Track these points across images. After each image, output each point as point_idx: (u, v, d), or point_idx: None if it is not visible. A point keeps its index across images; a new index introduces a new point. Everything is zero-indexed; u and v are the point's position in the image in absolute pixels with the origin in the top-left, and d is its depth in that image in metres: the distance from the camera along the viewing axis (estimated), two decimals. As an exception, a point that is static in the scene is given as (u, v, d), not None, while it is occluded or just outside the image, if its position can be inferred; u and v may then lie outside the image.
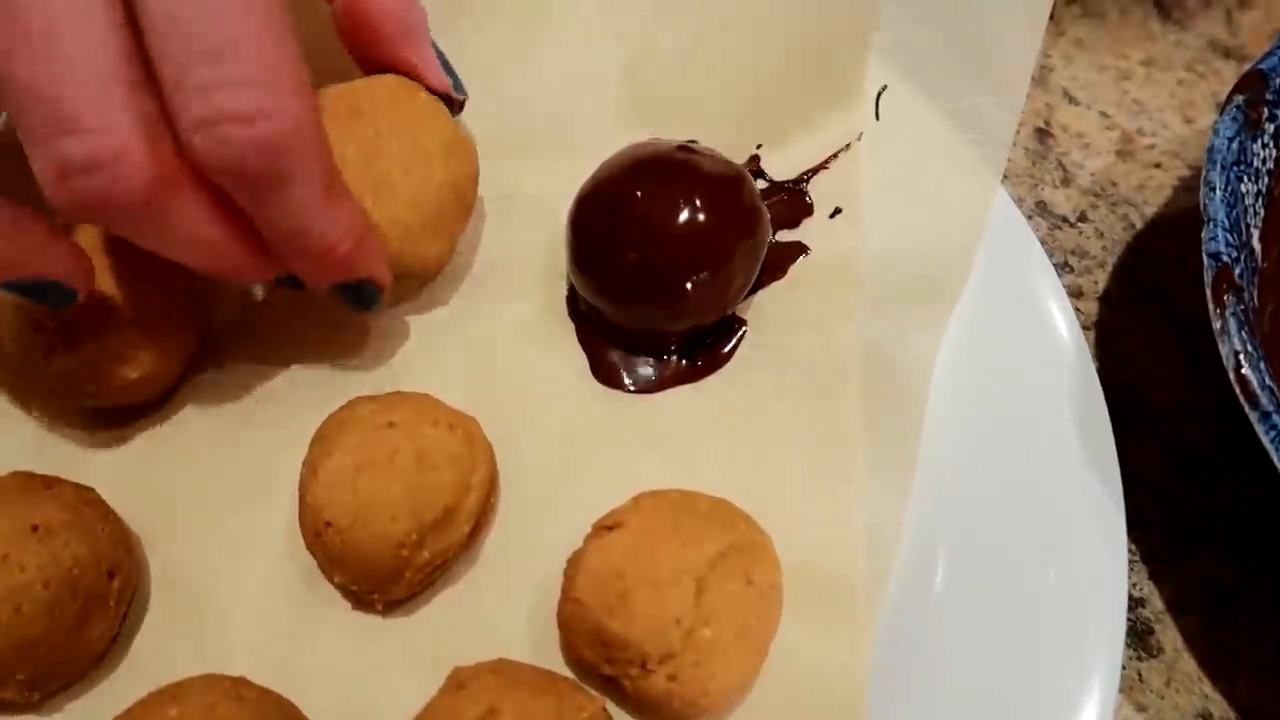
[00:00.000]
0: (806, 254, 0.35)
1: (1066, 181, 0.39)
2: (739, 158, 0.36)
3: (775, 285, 0.35)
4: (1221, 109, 0.30)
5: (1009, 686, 0.28)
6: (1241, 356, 0.26)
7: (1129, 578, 0.31)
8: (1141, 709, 0.30)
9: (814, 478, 0.31)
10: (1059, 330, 0.32)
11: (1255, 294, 0.30)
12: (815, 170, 0.36)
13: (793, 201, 0.36)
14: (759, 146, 0.37)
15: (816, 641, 0.29)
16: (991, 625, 0.29)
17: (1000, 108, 0.36)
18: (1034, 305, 0.33)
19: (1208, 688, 0.31)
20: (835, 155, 0.36)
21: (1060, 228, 0.38)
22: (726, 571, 0.26)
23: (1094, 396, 0.31)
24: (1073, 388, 0.31)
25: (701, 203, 0.31)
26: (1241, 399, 0.26)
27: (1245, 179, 0.30)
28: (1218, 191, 0.28)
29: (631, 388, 0.33)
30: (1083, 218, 0.38)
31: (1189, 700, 0.31)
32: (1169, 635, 0.31)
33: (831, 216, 0.36)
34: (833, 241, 0.35)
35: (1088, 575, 0.29)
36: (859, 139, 0.36)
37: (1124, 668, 0.31)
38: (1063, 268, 0.37)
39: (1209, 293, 0.27)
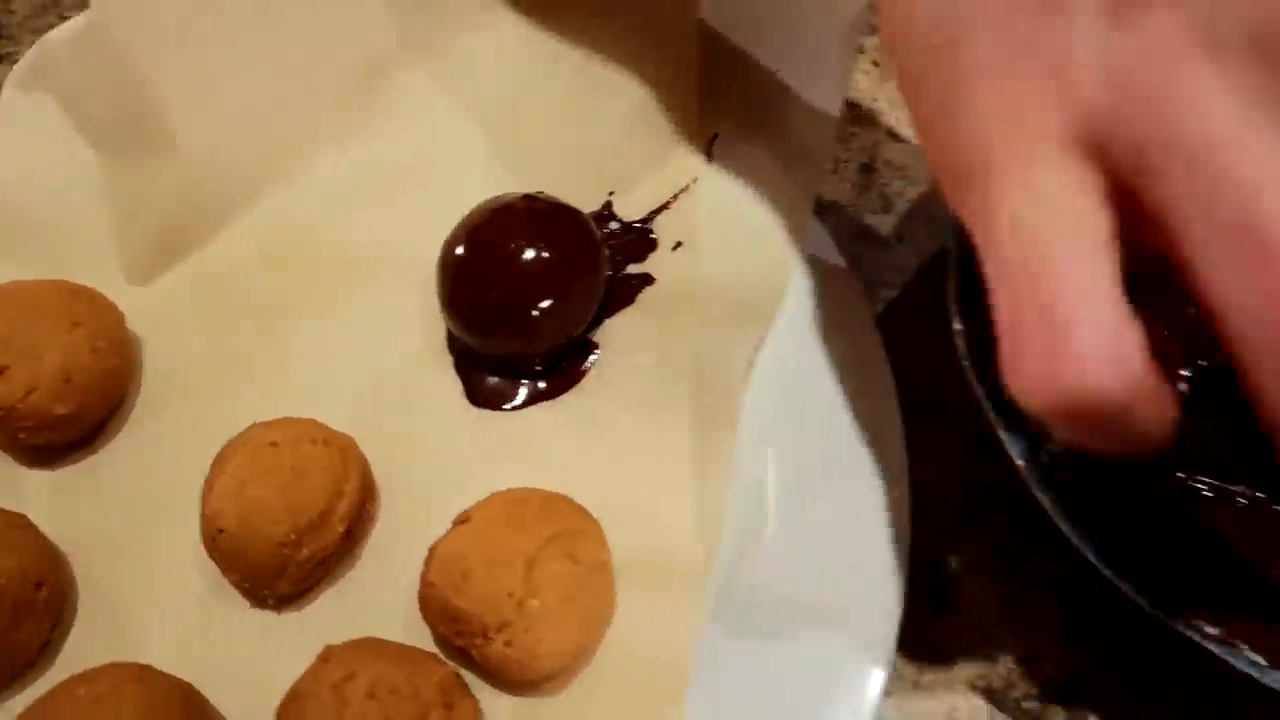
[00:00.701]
0: (652, 284, 0.41)
1: (887, 209, 0.44)
2: (594, 203, 0.42)
3: (625, 311, 0.40)
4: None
5: (815, 640, 0.32)
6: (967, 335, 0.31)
7: (931, 545, 0.36)
8: (938, 657, 0.35)
9: (651, 475, 0.36)
10: (862, 336, 0.37)
11: None
12: (659, 210, 0.42)
13: (640, 238, 0.42)
14: (611, 193, 0.42)
15: (652, 616, 0.34)
16: (797, 582, 0.33)
17: (819, 147, 0.41)
18: (838, 315, 0.38)
19: (996, 637, 0.35)
20: (676, 196, 0.42)
21: (882, 250, 0.43)
22: (554, 552, 0.31)
23: (886, 389, 0.36)
24: (867, 382, 0.36)
25: (544, 244, 0.37)
26: (970, 378, 0.31)
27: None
28: None
29: (501, 407, 0.38)
30: (900, 239, 0.44)
31: (979, 647, 0.35)
32: (964, 594, 0.36)
33: (674, 249, 0.41)
34: (675, 271, 0.41)
35: (874, 538, 0.34)
36: (695, 181, 0.42)
37: (925, 624, 0.36)
38: (880, 283, 0.42)
39: (947, 281, 0.32)
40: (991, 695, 0.34)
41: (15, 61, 0.42)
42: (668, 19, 0.43)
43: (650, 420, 0.37)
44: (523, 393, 0.39)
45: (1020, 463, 0.30)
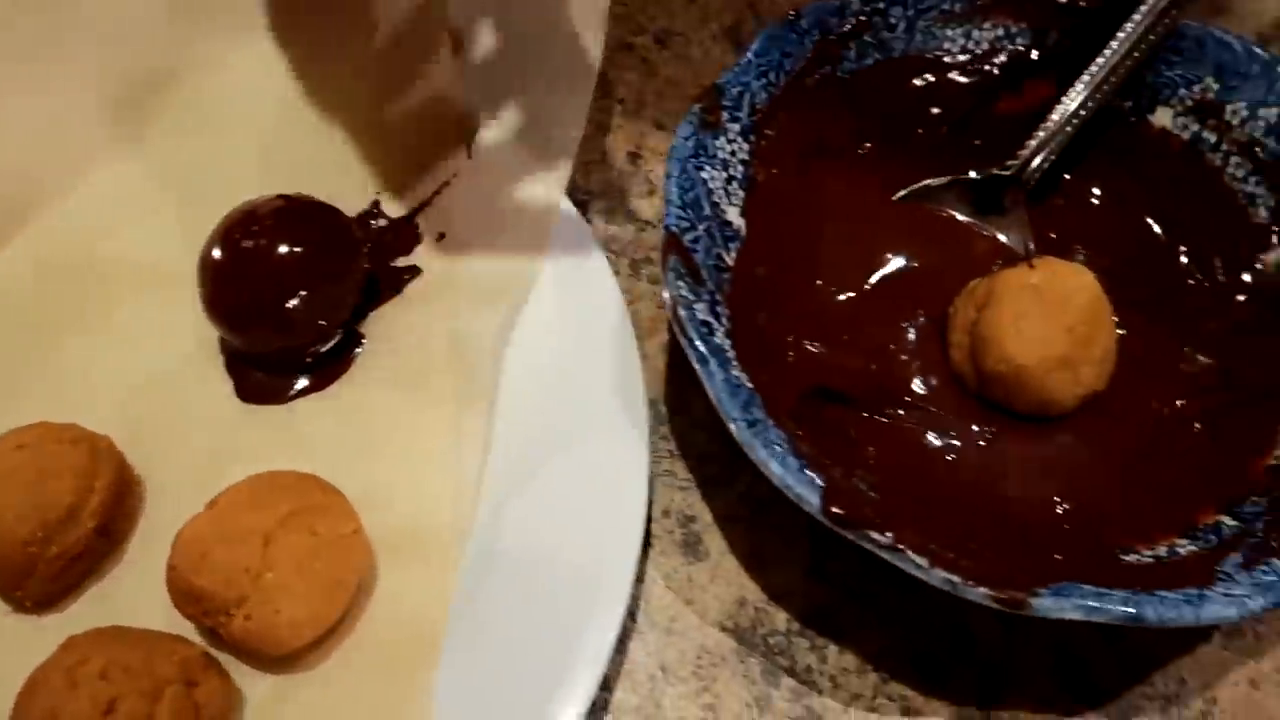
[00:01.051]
0: (418, 274, 0.42)
1: (652, 192, 0.47)
2: (363, 203, 0.44)
3: (393, 302, 0.42)
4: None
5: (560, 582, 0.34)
6: (676, 300, 0.33)
7: (685, 500, 0.38)
8: (690, 602, 0.37)
9: (412, 453, 0.38)
10: (609, 309, 0.40)
11: (734, 259, 0.38)
12: (422, 206, 0.44)
13: (406, 232, 0.43)
14: (378, 192, 0.44)
15: (411, 587, 0.35)
16: (546, 541, 0.35)
17: (568, 138, 0.44)
18: (587, 290, 0.40)
19: (745, 579, 0.38)
20: (437, 191, 0.44)
21: (645, 230, 0.46)
22: (293, 526, 0.33)
23: (631, 358, 0.38)
24: (614, 353, 0.38)
25: (294, 241, 0.38)
26: (678, 333, 0.33)
27: (708, 168, 0.38)
28: (674, 178, 0.36)
29: (271, 402, 0.40)
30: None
31: (729, 590, 0.37)
32: (715, 543, 0.38)
33: (438, 241, 0.43)
34: (438, 261, 0.43)
35: (617, 496, 0.36)
36: (455, 175, 0.44)
37: (675, 572, 0.38)
38: (644, 261, 0.45)
39: (661, 254, 0.35)
40: (739, 633, 0.37)
41: None
42: (426, 29, 0.45)
43: (412, 402, 0.39)
44: (292, 386, 0.40)
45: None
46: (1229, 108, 0.41)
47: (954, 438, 0.36)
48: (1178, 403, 0.36)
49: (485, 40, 0.45)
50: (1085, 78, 0.42)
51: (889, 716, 0.35)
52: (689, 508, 0.39)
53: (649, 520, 0.39)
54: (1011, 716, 0.35)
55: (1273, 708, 0.35)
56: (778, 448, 0.31)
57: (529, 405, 0.38)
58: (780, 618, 0.37)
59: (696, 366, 0.32)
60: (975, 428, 0.36)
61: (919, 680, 0.36)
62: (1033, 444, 0.36)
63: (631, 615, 0.37)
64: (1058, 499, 0.34)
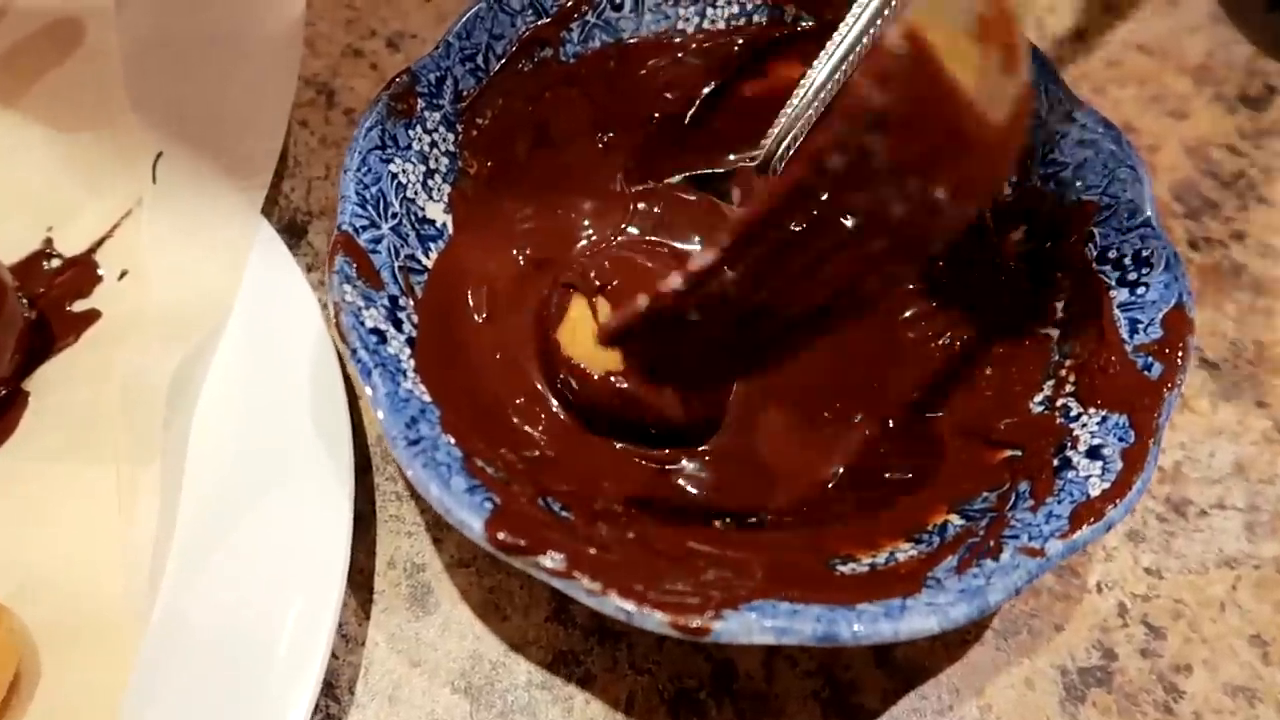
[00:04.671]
0: (97, 319, 0.37)
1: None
2: (33, 241, 0.38)
3: (67, 352, 0.36)
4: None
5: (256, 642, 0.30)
6: (340, 306, 0.29)
7: (414, 547, 0.34)
8: (417, 664, 0.33)
9: (78, 527, 0.33)
10: (312, 343, 0.35)
11: (434, 259, 0.34)
12: (102, 240, 0.38)
13: (83, 272, 0.38)
14: (50, 228, 0.39)
15: (77, 678, 0.30)
16: (233, 605, 0.30)
17: (264, 154, 0.39)
18: (290, 326, 0.35)
19: (480, 630, 0.33)
20: (118, 223, 0.38)
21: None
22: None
23: (336, 396, 0.33)
24: (319, 391, 0.34)
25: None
26: (337, 338, 0.29)
27: (398, 160, 0.33)
28: (351, 172, 0.32)
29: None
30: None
31: (462, 645, 0.33)
32: (447, 592, 0.34)
33: (120, 279, 0.38)
34: (121, 303, 0.37)
35: (312, 552, 0.31)
36: (139, 203, 0.38)
37: (401, 630, 0.33)
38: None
39: (328, 256, 0.30)
40: (473, 693, 0.32)
41: None
42: (91, 50, 0.40)
43: (79, 467, 0.34)
44: (-59, 462, 0.34)
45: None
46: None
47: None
48: (912, 394, 0.34)
49: (165, 52, 0.40)
50: (823, 56, 0.39)
51: (642, 769, 0.31)
52: (418, 555, 0.35)
53: (371, 575, 0.34)
54: (776, 752, 0.32)
55: (1048, 706, 0.33)
56: (444, 467, 0.27)
57: (220, 456, 0.34)
58: (520, 670, 0.33)
59: (359, 379, 0.28)
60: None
61: (675, 723, 0.32)
62: (759, 447, 0.33)
63: (350, 687, 0.32)
64: (774, 509, 0.30)
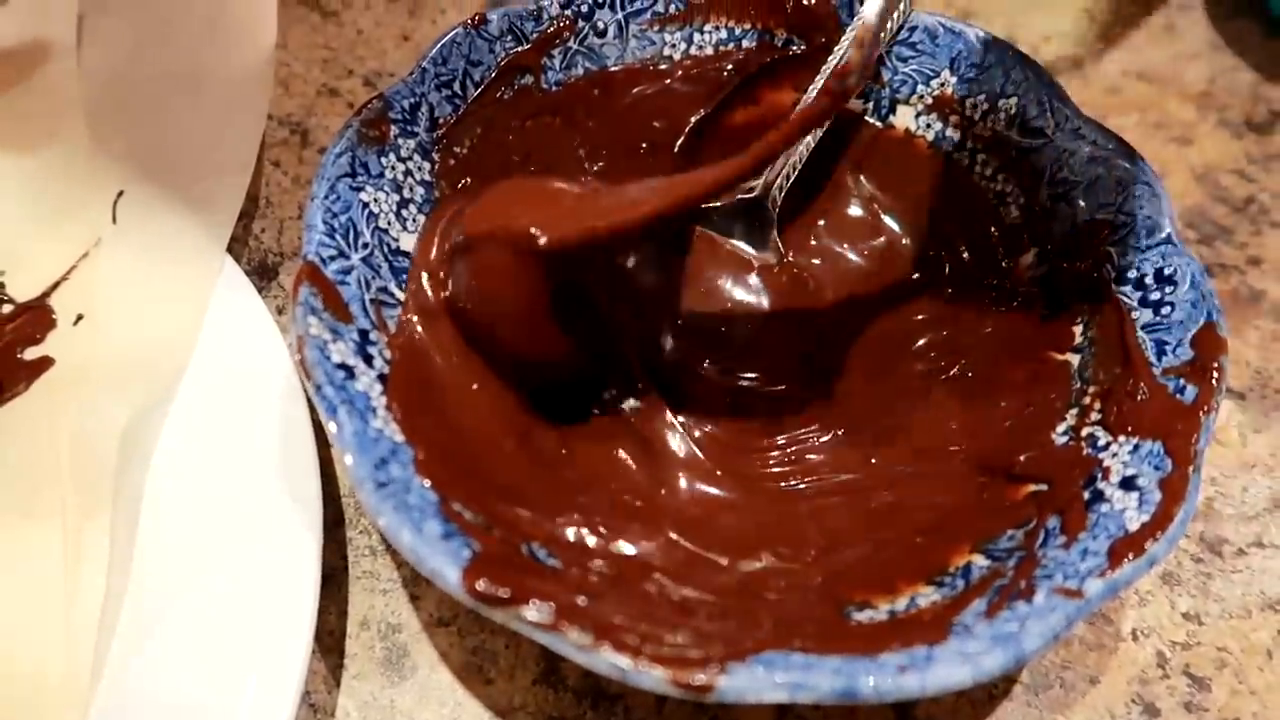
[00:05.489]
0: (50, 366, 0.34)
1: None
2: (-16, 288, 0.36)
3: (17, 402, 0.34)
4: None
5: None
6: (304, 339, 0.27)
7: (389, 606, 0.31)
8: (391, 737, 0.30)
9: (17, 593, 0.30)
10: (279, 390, 0.33)
11: (402, 288, 0.32)
12: (57, 284, 0.36)
13: (36, 318, 0.36)
14: (1, 272, 0.36)
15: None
16: (189, 677, 0.28)
17: (230, 192, 0.37)
18: (255, 371, 0.33)
19: (461, 696, 0.30)
20: (74, 265, 0.36)
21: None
22: None
23: (305, 448, 0.31)
24: (286, 439, 0.31)
25: None
26: (301, 374, 0.26)
27: (370, 189, 0.31)
28: (319, 200, 0.30)
29: None
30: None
31: (441, 714, 0.30)
32: (425, 654, 0.31)
33: (75, 324, 0.35)
34: (76, 349, 0.35)
35: (278, 616, 0.28)
36: (97, 244, 0.36)
37: (375, 699, 0.30)
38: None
39: (292, 287, 0.28)
40: (453, 767, 0.29)
41: None
42: (50, 83, 0.38)
43: (21, 526, 0.31)
44: (-126, 523, 0.31)
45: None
46: (969, 102, 0.37)
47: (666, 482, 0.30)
48: (925, 428, 0.31)
49: (128, 87, 0.38)
50: (818, 81, 0.38)
51: None
52: (393, 614, 0.32)
53: (342, 637, 0.31)
54: (789, 827, 0.29)
55: (1088, 770, 0.30)
56: (416, 511, 0.24)
57: (177, 509, 0.31)
58: (506, 740, 0.30)
59: (323, 417, 0.25)
60: (687, 475, 0.31)
61: (676, 796, 0.29)
62: (765, 489, 0.30)
63: (318, 763, 0.29)
64: (788, 556, 0.28)
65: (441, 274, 0.31)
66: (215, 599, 0.29)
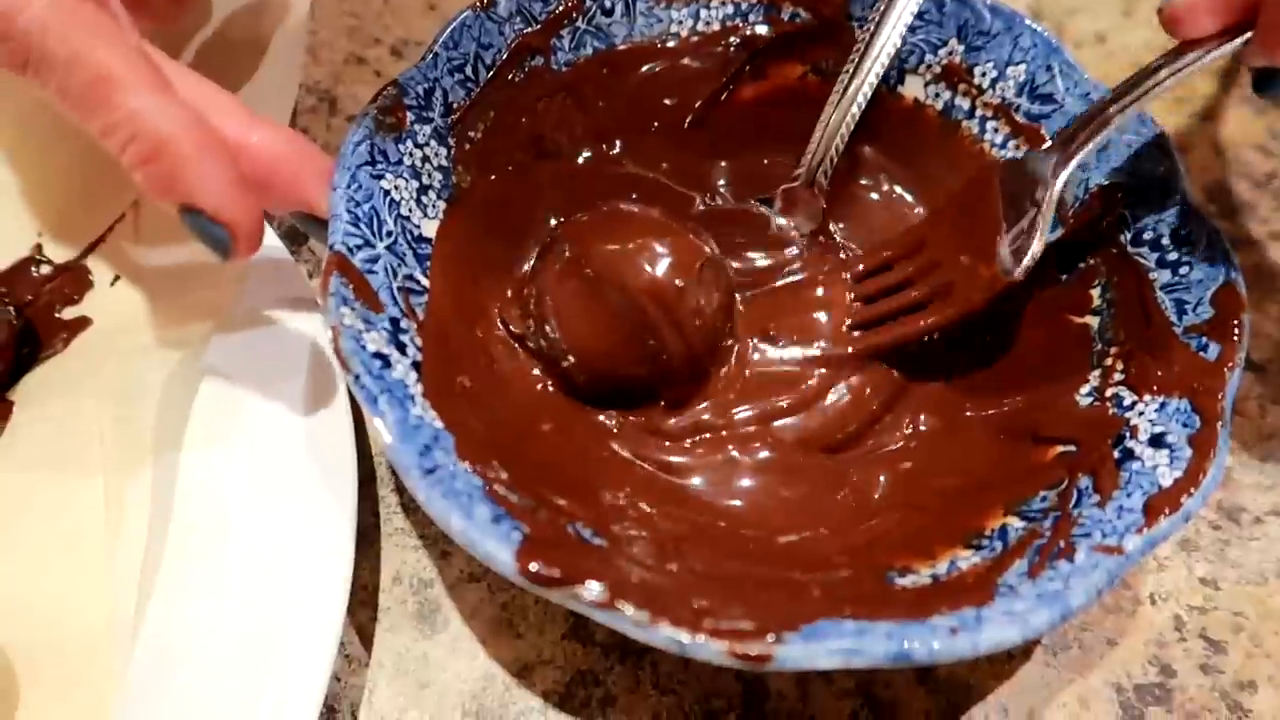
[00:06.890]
0: (88, 326, 0.35)
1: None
2: (23, 247, 0.36)
3: (56, 359, 0.35)
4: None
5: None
6: (339, 329, 0.27)
7: (419, 562, 0.32)
8: (425, 685, 0.30)
9: (58, 545, 0.30)
10: (313, 354, 0.33)
11: (427, 275, 0.32)
12: (93, 246, 0.37)
13: (73, 278, 0.36)
14: (40, 234, 0.37)
15: (55, 704, 0.28)
16: (226, 626, 0.28)
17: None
18: (290, 335, 0.34)
19: (492, 649, 0.31)
20: (111, 228, 0.37)
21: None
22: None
23: (340, 408, 0.32)
24: (320, 401, 0.32)
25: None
26: (341, 368, 0.27)
27: (390, 176, 0.32)
28: (341, 190, 0.30)
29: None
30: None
31: (473, 666, 0.31)
32: (456, 608, 0.32)
33: (112, 285, 0.36)
34: (113, 310, 0.35)
35: (313, 566, 0.29)
36: (134, 206, 0.37)
37: (408, 651, 0.31)
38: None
39: (322, 278, 0.28)
40: (483, 716, 0.30)
41: None
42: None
43: (62, 481, 0.31)
44: (-79, 477, 0.32)
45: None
46: (978, 70, 0.37)
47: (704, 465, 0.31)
48: (948, 393, 0.32)
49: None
50: (854, 57, 0.38)
51: (669, 798, 0.29)
52: (425, 570, 0.32)
53: (376, 592, 0.32)
54: (813, 778, 0.29)
55: (1106, 728, 0.30)
56: (464, 497, 0.25)
57: (215, 466, 0.31)
58: (536, 692, 0.30)
59: (364, 407, 0.26)
60: (734, 450, 0.31)
61: (703, 748, 0.30)
62: (801, 463, 0.31)
63: (354, 712, 0.30)
64: (822, 526, 0.28)
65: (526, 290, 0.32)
66: (252, 554, 0.30)
